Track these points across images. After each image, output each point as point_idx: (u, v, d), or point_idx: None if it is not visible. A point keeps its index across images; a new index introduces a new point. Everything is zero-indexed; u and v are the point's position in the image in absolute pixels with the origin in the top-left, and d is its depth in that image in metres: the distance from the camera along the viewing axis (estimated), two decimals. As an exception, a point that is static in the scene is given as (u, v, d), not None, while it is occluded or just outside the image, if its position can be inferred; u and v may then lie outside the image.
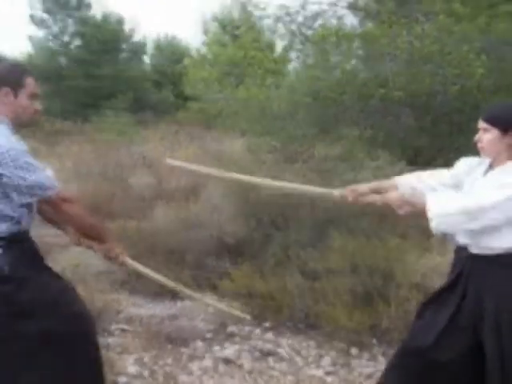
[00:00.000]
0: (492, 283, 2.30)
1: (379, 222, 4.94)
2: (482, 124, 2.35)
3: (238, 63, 8.26)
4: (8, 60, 2.68)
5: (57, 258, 4.90)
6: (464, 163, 2.53)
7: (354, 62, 7.07)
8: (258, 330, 4.11)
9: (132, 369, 3.55)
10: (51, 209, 2.45)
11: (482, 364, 2.32)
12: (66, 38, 22.32)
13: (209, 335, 4.04)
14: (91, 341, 2.56)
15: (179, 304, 4.63)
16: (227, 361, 3.70)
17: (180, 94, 21.02)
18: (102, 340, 3.86)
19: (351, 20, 7.27)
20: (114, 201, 6.59)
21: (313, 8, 7.09)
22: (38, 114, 2.51)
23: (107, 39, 21.93)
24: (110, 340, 3.93)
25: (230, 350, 3.82)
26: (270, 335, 4.05)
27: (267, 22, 7.73)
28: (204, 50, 18.78)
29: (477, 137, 2.39)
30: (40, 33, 22.43)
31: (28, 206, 2.38)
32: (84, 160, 8.44)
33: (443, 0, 5.96)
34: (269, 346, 3.88)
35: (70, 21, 21.99)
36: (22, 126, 2.44)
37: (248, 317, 3.09)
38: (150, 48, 25.50)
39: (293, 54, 9.33)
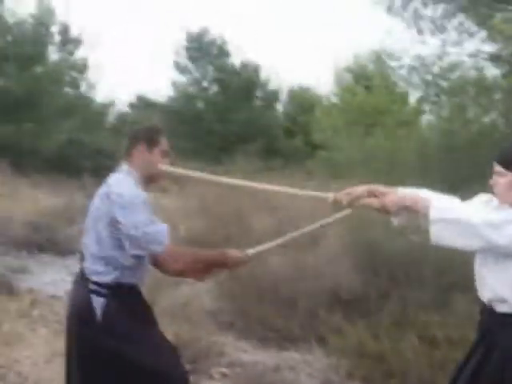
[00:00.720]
0: None
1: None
2: (496, 167, 2.08)
3: (368, 112, 8.07)
4: (147, 122, 2.86)
5: (166, 295, 4.92)
6: (484, 198, 2.22)
7: (493, 115, 6.60)
8: (365, 394, 3.78)
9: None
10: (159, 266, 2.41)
11: None
12: (205, 84, 23.53)
13: (312, 392, 3.78)
14: None
15: (285, 354, 4.41)
16: (329, 424, 3.41)
17: (310, 143, 21.19)
18: (201, 382, 3.76)
19: (492, 72, 6.82)
20: (230, 242, 6.58)
21: (450, 59, 6.77)
22: (166, 174, 2.59)
23: (244, 86, 22.75)
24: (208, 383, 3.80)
25: (333, 412, 3.53)
26: (378, 401, 3.70)
27: (402, 72, 7.49)
28: (334, 99, 18.74)
29: (491, 181, 2.11)
30: (182, 78, 23.85)
31: (139, 258, 2.37)
32: (208, 200, 8.58)
33: None
34: (376, 414, 3.54)
35: (210, 68, 23.20)
36: (150, 180, 2.55)
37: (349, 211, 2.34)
38: (283, 96, 26.03)
39: (427, 106, 8.98)
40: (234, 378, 3.93)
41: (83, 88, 20.66)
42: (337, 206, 2.34)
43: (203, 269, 2.44)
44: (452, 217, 1.96)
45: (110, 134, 21.37)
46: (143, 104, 29.71)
